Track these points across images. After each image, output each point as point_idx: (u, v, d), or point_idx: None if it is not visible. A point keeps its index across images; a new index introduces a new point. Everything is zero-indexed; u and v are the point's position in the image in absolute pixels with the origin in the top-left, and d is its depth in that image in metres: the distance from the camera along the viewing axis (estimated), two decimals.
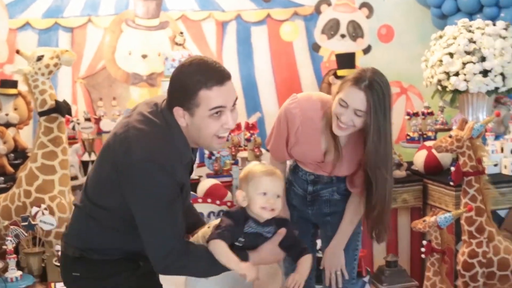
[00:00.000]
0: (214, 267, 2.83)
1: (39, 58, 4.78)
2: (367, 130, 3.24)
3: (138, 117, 2.79)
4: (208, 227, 2.97)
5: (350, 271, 3.70)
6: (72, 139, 5.58)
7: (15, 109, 5.60)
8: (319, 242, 3.90)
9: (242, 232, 2.88)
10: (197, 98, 2.66)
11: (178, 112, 2.71)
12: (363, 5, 6.70)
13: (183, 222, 2.80)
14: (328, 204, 3.66)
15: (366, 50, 6.76)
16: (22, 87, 5.39)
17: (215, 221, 2.98)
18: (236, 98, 2.77)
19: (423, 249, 4.20)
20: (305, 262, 2.98)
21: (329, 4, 6.64)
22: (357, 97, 3.17)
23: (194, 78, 2.66)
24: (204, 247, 2.82)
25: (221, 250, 2.77)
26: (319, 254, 3.93)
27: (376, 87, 3.17)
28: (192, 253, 2.78)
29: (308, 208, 3.70)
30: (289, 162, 3.82)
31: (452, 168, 4.22)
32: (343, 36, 6.71)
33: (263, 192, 2.88)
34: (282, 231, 2.95)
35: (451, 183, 4.38)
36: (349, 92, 3.19)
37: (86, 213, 2.90)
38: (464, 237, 4.23)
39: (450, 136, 4.18)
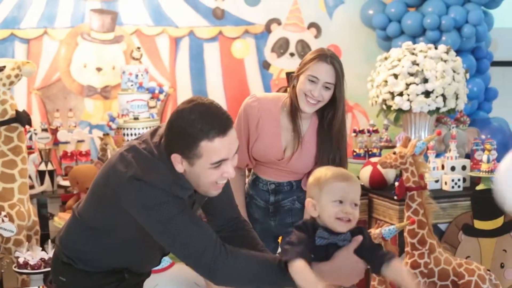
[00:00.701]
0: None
1: (1, 69, 4.86)
2: (337, 101, 3.50)
3: (128, 150, 2.68)
4: None
5: None
6: (29, 149, 5.57)
7: None
8: None
9: (313, 245, 2.55)
10: (198, 149, 2.51)
11: (176, 159, 2.56)
12: (312, 25, 6.86)
13: (206, 225, 2.67)
14: (290, 213, 3.74)
15: None
16: None
17: None
18: (238, 146, 2.62)
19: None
20: (401, 268, 2.55)
21: (279, 23, 6.78)
22: (326, 70, 3.41)
23: (196, 127, 2.49)
24: (260, 255, 2.67)
25: (301, 270, 2.42)
26: None
27: (338, 61, 3.47)
28: (235, 252, 2.61)
29: (270, 220, 3.78)
30: (247, 179, 3.91)
31: (396, 183, 4.42)
32: (292, 54, 6.86)
33: (339, 200, 2.53)
34: (358, 238, 2.57)
35: (395, 197, 4.60)
36: (318, 67, 3.41)
37: (80, 225, 2.86)
38: (407, 248, 4.40)
39: (394, 153, 4.37)
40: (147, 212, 2.58)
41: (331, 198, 2.52)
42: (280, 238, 3.91)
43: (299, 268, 2.43)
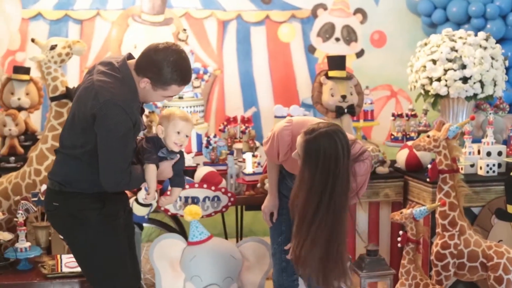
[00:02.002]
0: (140, 182, 3.63)
1: (53, 47, 5.09)
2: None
3: (99, 74, 3.49)
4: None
5: None
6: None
7: (27, 94, 5.79)
8: None
9: (156, 154, 3.63)
10: (167, 87, 3.47)
11: (144, 80, 3.46)
12: (358, 10, 6.90)
13: (131, 151, 3.52)
14: None
15: (359, 54, 6.95)
16: (34, 73, 5.64)
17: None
18: None
19: (399, 239, 4.47)
20: (177, 193, 3.86)
21: (325, 9, 6.83)
22: (299, 143, 3.50)
23: (174, 75, 3.44)
24: (138, 168, 3.58)
25: (151, 175, 3.58)
26: None
27: (314, 145, 3.44)
28: (132, 174, 3.50)
29: None
30: None
31: (429, 166, 4.55)
32: (337, 39, 6.91)
33: (177, 131, 3.59)
34: (177, 157, 3.71)
35: (428, 180, 4.70)
36: (299, 137, 3.52)
37: (63, 154, 3.63)
38: (438, 229, 4.52)
39: (428, 136, 4.49)
40: (106, 127, 3.38)
41: (174, 129, 3.60)
42: None
43: (150, 170, 3.58)
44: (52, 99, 5.11)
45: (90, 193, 3.57)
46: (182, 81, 3.49)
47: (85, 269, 3.74)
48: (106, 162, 3.44)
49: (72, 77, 6.37)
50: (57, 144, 4.98)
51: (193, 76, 5.78)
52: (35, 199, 4.66)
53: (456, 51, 5.26)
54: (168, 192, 3.92)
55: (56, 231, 4.03)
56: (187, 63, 3.51)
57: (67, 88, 5.11)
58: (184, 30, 6.06)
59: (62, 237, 3.98)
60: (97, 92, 3.41)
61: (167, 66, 3.41)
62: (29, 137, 5.77)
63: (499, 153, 5.19)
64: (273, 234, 4.17)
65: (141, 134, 3.88)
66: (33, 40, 5.22)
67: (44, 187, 4.75)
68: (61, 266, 4.36)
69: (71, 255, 4.36)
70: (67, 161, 3.60)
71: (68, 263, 4.38)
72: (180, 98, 5.63)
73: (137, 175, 3.55)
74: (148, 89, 3.49)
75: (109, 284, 3.68)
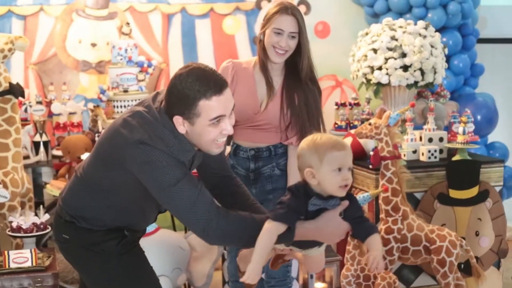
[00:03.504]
0: (246, 242, 2.82)
1: None
2: (301, 47, 3.85)
3: (133, 115, 2.88)
4: None
5: None
6: (24, 121, 5.74)
7: None
8: None
9: (304, 210, 2.69)
10: (197, 108, 2.72)
11: (178, 120, 2.78)
12: (301, 2, 6.90)
13: (205, 190, 2.83)
14: (270, 180, 3.95)
15: None
16: None
17: None
18: (234, 105, 2.83)
19: None
20: (377, 242, 2.73)
21: (269, 1, 6.83)
22: (289, 21, 3.75)
23: (193, 88, 2.71)
24: (248, 216, 2.84)
25: (267, 236, 2.66)
26: None
27: (298, 10, 3.82)
28: (230, 217, 2.81)
29: (252, 187, 3.92)
30: (228, 149, 4.06)
31: (371, 153, 4.64)
32: None
33: (338, 168, 2.63)
34: (345, 203, 2.71)
35: (370, 166, 4.80)
36: (282, 20, 3.75)
37: (83, 185, 3.05)
38: (382, 215, 4.60)
39: (370, 124, 4.57)
40: (152, 174, 2.77)
41: (332, 167, 2.62)
42: None
43: (265, 228, 2.66)
44: None
45: (111, 228, 3.09)
46: (208, 90, 2.73)
47: None
48: (178, 213, 2.88)
49: (17, 72, 6.33)
50: (1, 141, 4.98)
51: (137, 69, 5.80)
52: None
53: (396, 40, 5.34)
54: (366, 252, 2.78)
55: (69, 262, 3.31)
56: (204, 69, 2.80)
57: (10, 83, 5.06)
58: (128, 23, 6.06)
59: (75, 268, 3.35)
60: (135, 143, 2.81)
61: (181, 84, 2.76)
62: None
63: (441, 139, 5.30)
64: None
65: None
66: None
67: None
68: (8, 262, 4.33)
69: (19, 251, 4.38)
70: (87, 195, 3.06)
71: (16, 258, 4.35)
72: (125, 91, 5.64)
73: (241, 225, 2.81)
74: (189, 130, 2.80)
75: None
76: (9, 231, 4.60)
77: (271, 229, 2.63)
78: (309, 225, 2.70)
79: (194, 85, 2.72)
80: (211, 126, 2.76)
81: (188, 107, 2.74)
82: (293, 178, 3.84)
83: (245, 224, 2.80)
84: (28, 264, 4.33)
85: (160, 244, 4.52)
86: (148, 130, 2.80)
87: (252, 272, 2.64)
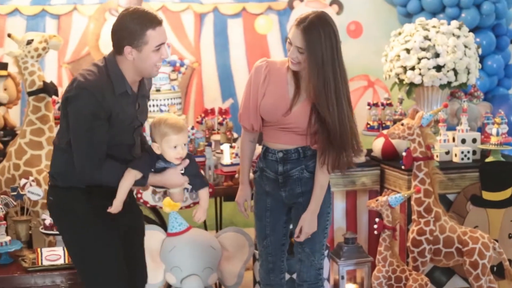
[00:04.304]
0: (112, 182, 3.47)
1: (29, 42, 5.09)
2: (315, 67, 3.57)
3: (87, 65, 3.54)
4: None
5: (320, 249, 3.96)
6: (57, 120, 5.69)
7: (5, 89, 5.77)
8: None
9: (154, 166, 3.52)
10: (145, 37, 3.36)
11: (127, 50, 3.39)
12: (334, 2, 6.92)
13: (102, 141, 3.42)
14: (299, 183, 3.86)
15: None
16: (12, 68, 5.62)
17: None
18: (167, 38, 3.51)
19: (375, 226, 4.54)
20: (205, 194, 3.65)
21: (302, 0, 6.85)
22: (297, 36, 3.57)
23: (141, 22, 3.35)
24: (117, 166, 3.46)
25: (126, 182, 3.44)
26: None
27: (312, 29, 3.54)
28: (104, 169, 3.42)
29: (281, 190, 3.90)
30: (257, 151, 4.08)
31: (404, 154, 4.62)
32: None
33: (173, 146, 3.47)
34: (185, 162, 3.55)
35: (403, 167, 4.76)
36: (292, 32, 3.61)
37: (55, 146, 3.61)
38: (414, 216, 4.59)
39: (402, 124, 4.56)
40: (77, 114, 3.37)
41: (169, 145, 3.47)
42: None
43: (127, 175, 3.44)
44: (30, 93, 5.11)
45: (81, 187, 3.52)
46: (152, 22, 3.38)
47: (73, 262, 3.73)
48: (73, 146, 3.41)
49: (51, 71, 6.40)
50: (35, 139, 5.05)
51: (170, 68, 5.81)
52: (15, 193, 4.67)
53: (430, 40, 5.31)
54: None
55: (54, 224, 4.04)
56: (143, 8, 3.45)
57: (44, 82, 5.11)
58: None
59: (57, 229, 3.94)
60: (75, 78, 3.41)
61: (128, 21, 3.37)
62: (8, 132, 5.74)
63: (474, 140, 5.27)
64: (258, 237, 4.12)
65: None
66: (9, 35, 5.22)
67: (23, 181, 4.79)
68: (41, 260, 4.37)
69: (52, 248, 4.43)
70: (57, 152, 3.60)
71: (49, 256, 4.39)
72: (158, 90, 5.66)
73: (114, 172, 3.46)
74: (137, 56, 3.40)
75: (97, 277, 3.60)
76: (42, 228, 4.62)
77: (130, 174, 3.45)
78: (157, 177, 3.56)
79: (141, 19, 3.36)
80: (154, 52, 3.42)
81: (137, 37, 3.36)
82: (316, 203, 3.86)
83: (112, 177, 3.47)
84: (61, 261, 4.36)
85: (192, 243, 4.53)
86: (87, 71, 3.40)
87: (118, 204, 3.46)
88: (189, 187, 3.70)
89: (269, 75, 3.79)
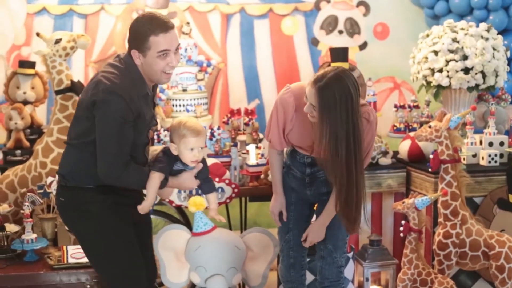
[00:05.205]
0: (139, 185, 3.59)
1: (57, 41, 5.13)
2: (318, 128, 3.49)
3: (105, 66, 3.58)
4: (155, 151, 3.78)
5: (342, 246, 3.98)
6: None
7: (32, 88, 5.80)
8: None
9: (172, 168, 3.66)
10: (148, 42, 3.42)
11: (134, 54, 3.48)
12: (360, 3, 6.94)
13: (128, 142, 3.48)
14: (325, 184, 3.85)
15: (362, 46, 6.99)
16: (39, 67, 5.67)
17: (160, 147, 3.84)
18: (179, 44, 3.56)
19: (401, 228, 4.51)
20: (214, 197, 3.91)
21: (328, 1, 6.86)
22: (311, 93, 3.48)
23: (145, 27, 3.42)
24: (144, 170, 3.57)
25: (153, 184, 3.55)
26: None
27: (327, 91, 3.43)
28: (130, 170, 3.48)
29: (306, 189, 3.95)
30: (286, 148, 4.07)
31: (431, 156, 4.59)
32: (340, 32, 6.95)
33: (190, 148, 3.59)
34: (199, 166, 3.71)
35: (430, 170, 4.72)
36: (308, 88, 3.50)
37: (68, 145, 3.66)
38: (440, 219, 4.56)
39: (430, 127, 4.53)
40: (105, 117, 3.41)
41: (186, 147, 3.59)
42: (315, 205, 4.09)
43: (153, 177, 3.55)
44: (57, 92, 5.15)
45: (92, 187, 3.58)
46: (156, 28, 3.42)
47: (92, 262, 3.79)
48: (100, 149, 3.45)
49: (77, 70, 6.44)
50: (62, 137, 5.07)
51: (197, 68, 5.83)
52: (41, 191, 4.70)
53: (458, 42, 5.28)
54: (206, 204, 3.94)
55: (66, 226, 4.06)
56: (155, 13, 3.51)
57: (72, 81, 5.15)
58: (188, 23, 6.11)
59: (70, 231, 3.99)
60: (98, 81, 3.44)
61: (137, 25, 3.45)
62: (35, 130, 5.79)
63: (501, 144, 5.23)
64: (281, 231, 4.16)
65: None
66: (38, 34, 5.25)
67: (50, 179, 4.82)
68: (67, 257, 4.40)
69: (77, 246, 4.44)
70: (71, 152, 3.63)
71: (74, 254, 4.42)
72: (184, 90, 5.67)
73: (138, 175, 3.55)
74: (143, 61, 3.48)
75: (117, 274, 3.67)
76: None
77: (156, 177, 3.57)
78: (173, 179, 3.69)
79: (146, 24, 3.43)
80: (159, 58, 3.46)
81: (141, 41, 3.43)
82: (327, 217, 3.88)
83: (139, 179, 3.56)
84: (86, 259, 4.37)
85: (216, 243, 4.51)
86: (110, 74, 3.45)
87: (148, 206, 3.61)
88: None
89: (296, 113, 3.75)
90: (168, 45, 3.46)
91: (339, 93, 3.43)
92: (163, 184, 3.63)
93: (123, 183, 3.54)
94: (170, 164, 3.64)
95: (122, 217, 3.65)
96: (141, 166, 3.58)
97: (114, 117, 3.39)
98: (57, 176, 3.82)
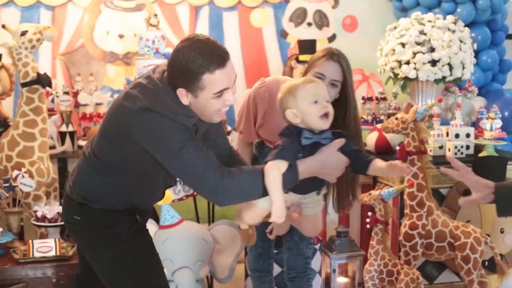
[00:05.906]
0: (254, 190, 2.84)
1: (23, 33, 5.07)
2: (347, 100, 3.49)
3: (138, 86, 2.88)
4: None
5: (308, 237, 3.99)
6: (51, 111, 5.81)
7: None
8: None
9: (299, 146, 2.82)
10: (201, 82, 2.72)
11: (181, 92, 2.79)
12: None
13: (204, 148, 2.84)
14: None
15: (331, 39, 7.00)
16: (5, 60, 5.62)
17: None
18: (236, 76, 2.84)
19: (368, 220, 4.53)
20: (379, 162, 2.89)
21: None
22: (333, 68, 3.44)
23: (197, 62, 2.70)
24: (250, 169, 2.91)
25: (272, 176, 2.76)
26: None
27: (345, 59, 3.49)
28: (236, 179, 2.82)
29: None
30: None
31: (397, 148, 4.60)
32: (309, 24, 6.96)
33: (314, 100, 2.86)
34: (341, 140, 2.87)
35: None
36: (326, 65, 3.44)
37: (91, 163, 3.07)
38: (406, 210, 4.57)
39: (396, 118, 4.54)
40: (158, 141, 2.77)
41: (307, 101, 2.84)
42: None
43: (272, 169, 2.77)
44: (23, 85, 5.09)
45: (121, 209, 3.14)
46: (211, 64, 2.72)
47: (114, 283, 3.24)
48: (185, 175, 2.86)
49: (44, 63, 6.38)
50: (28, 130, 5.01)
51: (164, 61, 5.77)
52: (7, 185, 4.66)
53: (425, 34, 5.32)
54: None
55: (78, 244, 3.43)
56: (206, 42, 2.77)
57: (38, 74, 5.09)
58: (155, 15, 6.07)
59: (83, 250, 3.37)
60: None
61: (183, 59, 2.73)
62: (1, 123, 5.75)
63: (467, 135, 5.27)
64: None
65: None
66: (3, 26, 5.21)
67: (15, 173, 4.78)
68: (33, 251, 4.36)
69: (43, 240, 4.41)
70: (93, 177, 3.10)
71: (40, 248, 4.38)
72: None
73: (247, 173, 2.87)
74: (193, 101, 2.83)
75: None
76: (34, 220, 4.63)
77: (272, 167, 2.76)
78: (310, 160, 2.83)
79: (197, 59, 2.71)
80: (215, 99, 2.78)
81: (192, 81, 2.74)
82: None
83: (249, 175, 2.86)
84: (52, 253, 4.35)
85: (184, 236, 4.52)
86: (150, 97, 2.80)
87: (278, 210, 2.76)
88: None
89: (269, 108, 3.72)
90: (226, 83, 2.78)
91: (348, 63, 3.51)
92: (291, 177, 2.82)
93: (239, 194, 2.86)
94: (292, 146, 2.82)
95: (147, 239, 3.29)
96: (242, 167, 2.97)
97: (171, 139, 2.77)
98: (67, 187, 3.24)
